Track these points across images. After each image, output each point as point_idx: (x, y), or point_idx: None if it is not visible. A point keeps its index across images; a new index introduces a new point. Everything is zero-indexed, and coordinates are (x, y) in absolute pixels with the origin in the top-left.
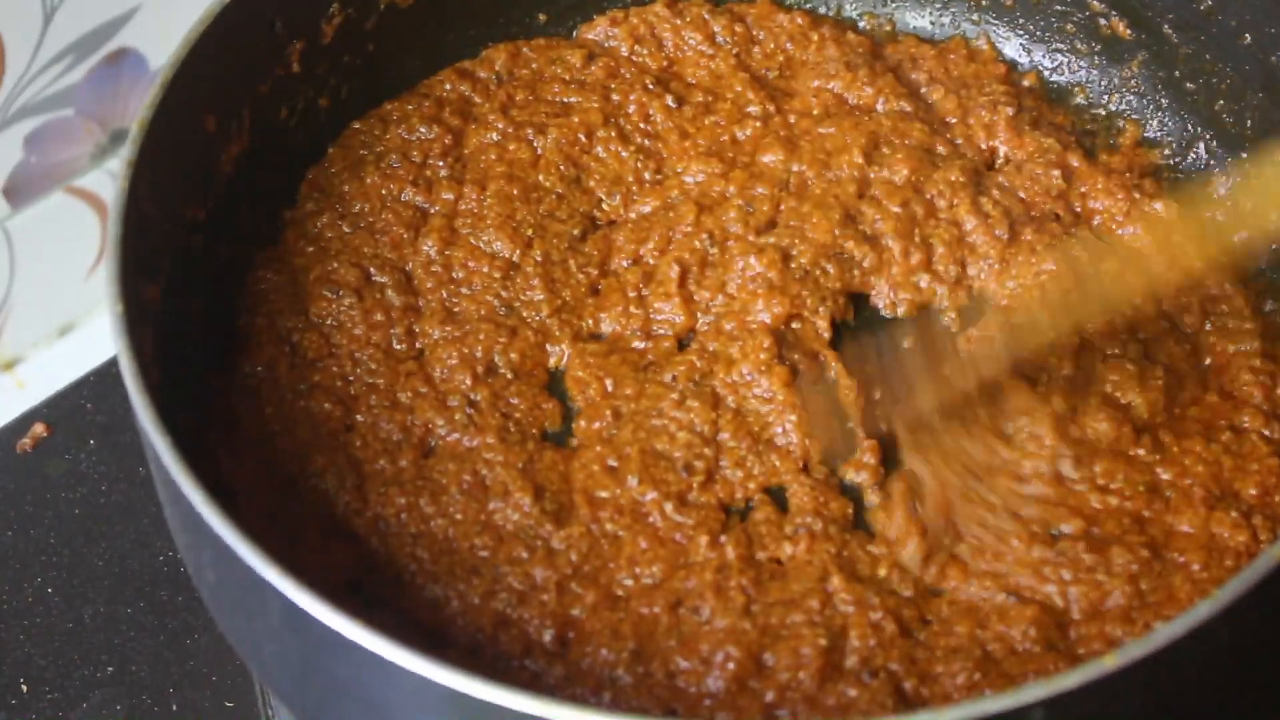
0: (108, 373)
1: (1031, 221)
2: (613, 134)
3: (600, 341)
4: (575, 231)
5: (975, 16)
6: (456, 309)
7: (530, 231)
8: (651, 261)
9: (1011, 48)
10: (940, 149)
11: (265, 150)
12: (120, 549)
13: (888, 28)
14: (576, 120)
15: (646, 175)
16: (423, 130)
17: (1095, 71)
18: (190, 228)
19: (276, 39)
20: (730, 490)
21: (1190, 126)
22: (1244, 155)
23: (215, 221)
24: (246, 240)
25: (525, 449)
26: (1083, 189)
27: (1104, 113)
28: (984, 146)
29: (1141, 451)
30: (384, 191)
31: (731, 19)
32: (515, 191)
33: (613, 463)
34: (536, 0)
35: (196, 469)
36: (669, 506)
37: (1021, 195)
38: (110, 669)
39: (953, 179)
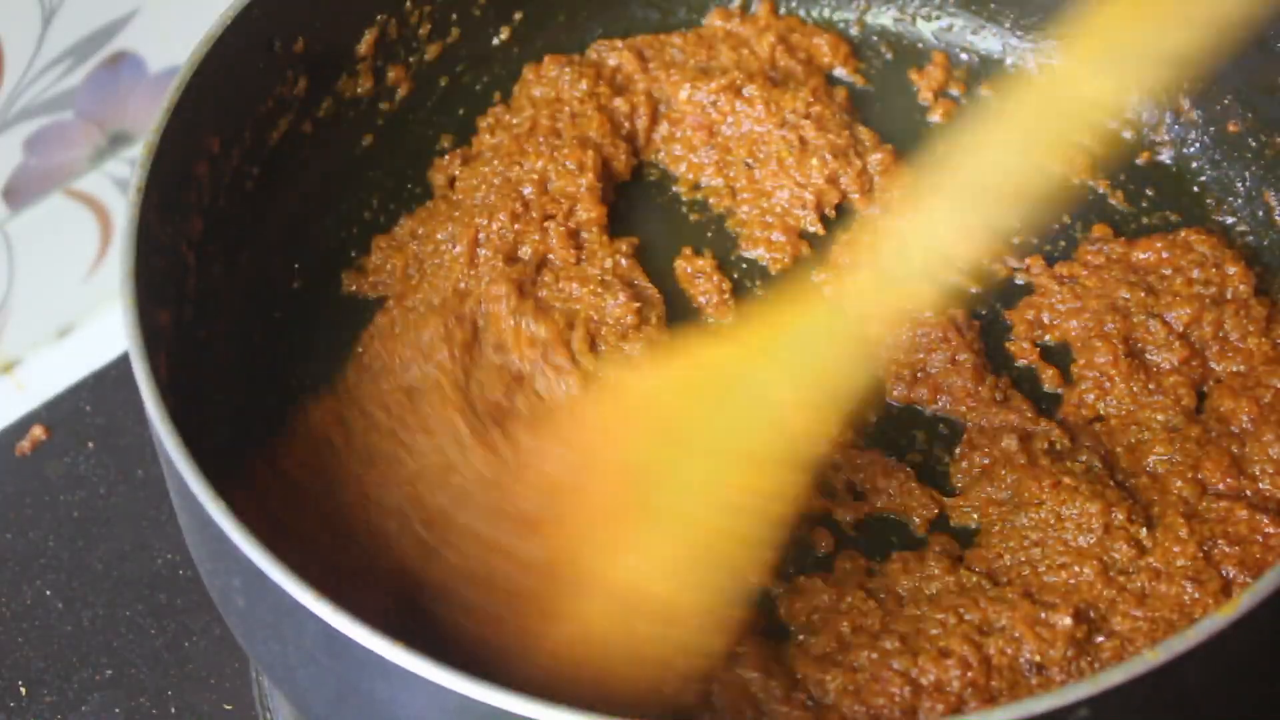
0: (107, 375)
1: None
2: None
3: None
4: None
5: None
6: None
7: None
8: None
9: None
10: None
11: (271, 168)
12: (119, 552)
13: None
14: None
15: None
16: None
17: None
18: (197, 249)
19: (276, 59)
20: None
21: None
22: None
23: (219, 242)
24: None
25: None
26: None
27: None
28: None
29: None
30: None
31: None
32: None
33: None
34: None
35: (221, 493)
36: None
37: None
38: (109, 672)
39: None
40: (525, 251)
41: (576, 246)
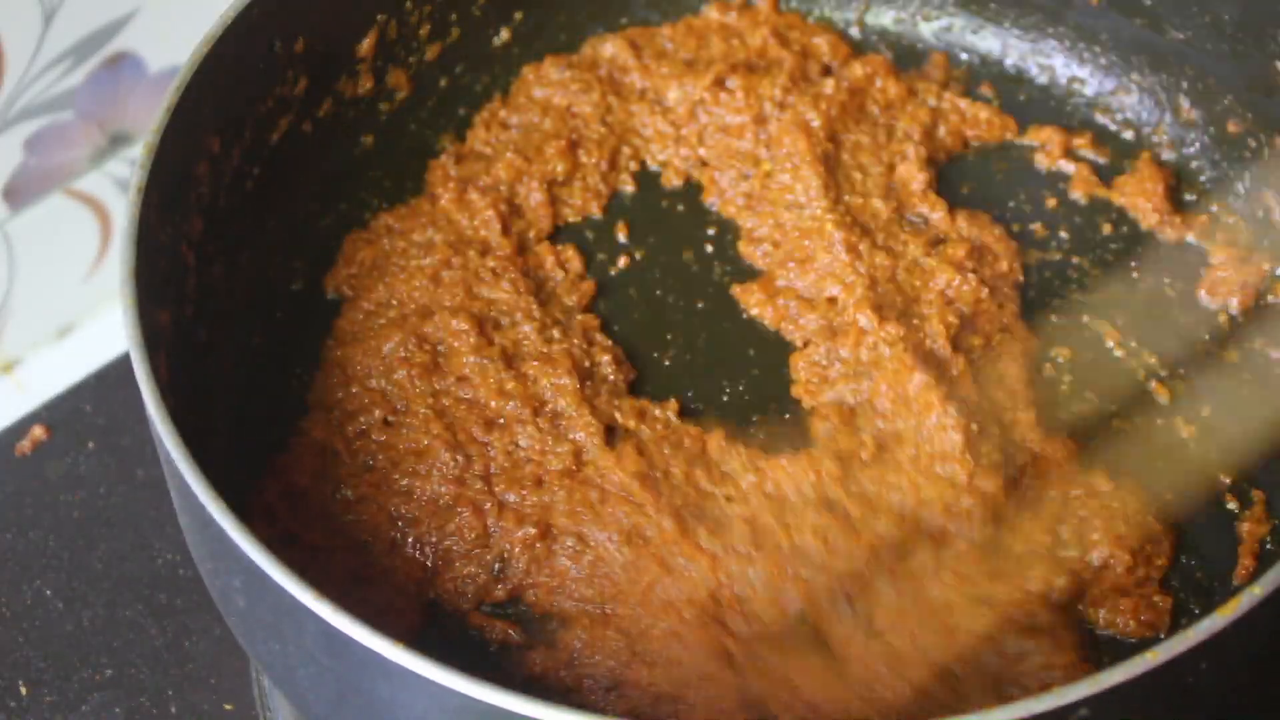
0: (107, 375)
1: None
2: None
3: None
4: None
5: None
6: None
7: None
8: None
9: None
10: None
11: (271, 168)
12: (119, 551)
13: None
14: None
15: None
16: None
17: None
18: (197, 249)
19: (276, 59)
20: None
21: None
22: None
23: (219, 242)
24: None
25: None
26: None
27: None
28: None
29: None
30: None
31: None
32: None
33: None
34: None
35: (223, 493)
36: None
37: None
38: (109, 671)
39: None
40: (485, 292)
41: (538, 294)
